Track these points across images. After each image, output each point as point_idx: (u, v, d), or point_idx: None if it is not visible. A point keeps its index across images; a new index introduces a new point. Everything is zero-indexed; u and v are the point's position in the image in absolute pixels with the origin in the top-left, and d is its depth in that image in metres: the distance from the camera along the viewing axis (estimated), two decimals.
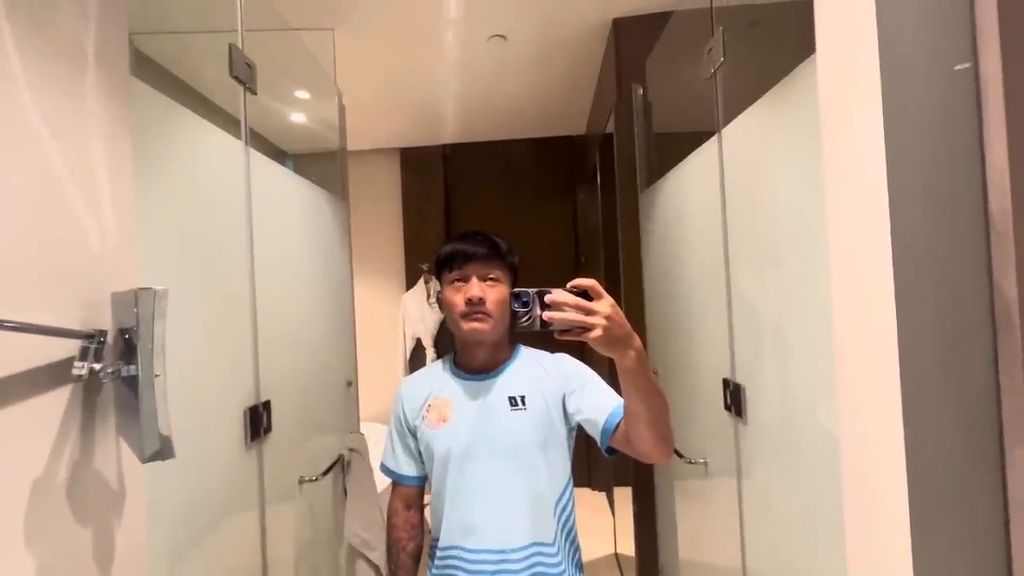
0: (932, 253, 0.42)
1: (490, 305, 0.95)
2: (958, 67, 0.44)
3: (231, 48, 1.17)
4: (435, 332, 3.42)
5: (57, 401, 0.57)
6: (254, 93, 1.24)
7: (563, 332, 0.68)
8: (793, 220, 0.92)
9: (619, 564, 2.57)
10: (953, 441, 0.42)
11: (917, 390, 0.42)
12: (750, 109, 1.07)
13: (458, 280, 0.97)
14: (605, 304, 0.68)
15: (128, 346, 0.62)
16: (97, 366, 0.58)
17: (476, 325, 0.95)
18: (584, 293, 0.69)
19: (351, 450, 1.68)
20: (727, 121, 1.18)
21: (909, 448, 0.42)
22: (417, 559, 1.07)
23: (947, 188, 0.42)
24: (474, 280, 0.96)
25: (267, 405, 1.20)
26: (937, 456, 0.43)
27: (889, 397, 0.45)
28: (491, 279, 0.97)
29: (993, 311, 0.39)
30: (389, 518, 1.07)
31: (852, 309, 0.55)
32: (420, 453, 1.04)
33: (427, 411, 1.01)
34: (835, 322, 0.59)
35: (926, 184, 0.42)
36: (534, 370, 1.01)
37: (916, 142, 0.43)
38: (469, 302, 0.95)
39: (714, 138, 1.25)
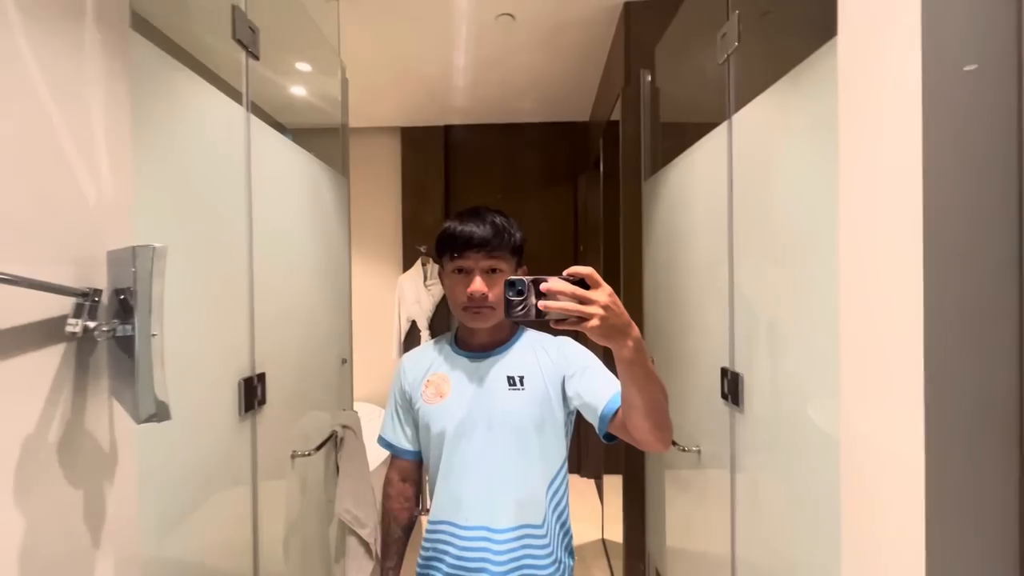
0: (964, 237, 0.41)
1: (492, 299, 0.94)
2: (967, 68, 0.43)
3: (234, 10, 1.14)
4: (431, 315, 3.41)
5: (49, 359, 0.56)
6: (256, 58, 1.21)
7: (559, 321, 0.66)
8: (801, 210, 0.91)
9: (606, 550, 2.60)
10: (972, 430, 0.41)
11: (941, 379, 0.41)
12: (762, 96, 1.06)
13: (460, 269, 0.95)
14: (603, 293, 0.66)
15: (123, 307, 0.60)
16: (92, 324, 0.57)
17: (478, 320, 0.96)
18: (581, 282, 0.66)
19: (344, 427, 1.68)
20: (738, 109, 1.17)
21: (929, 438, 0.42)
22: (409, 531, 1.07)
23: (982, 169, 0.41)
24: (477, 276, 0.94)
25: (262, 377, 1.19)
26: (955, 448, 0.42)
27: (907, 387, 0.45)
28: (495, 270, 0.95)
29: (1021, 296, 0.38)
30: (384, 488, 1.07)
31: (865, 299, 0.54)
32: (418, 427, 1.03)
33: (425, 386, 1.01)
34: (842, 313, 0.58)
35: (961, 166, 0.41)
36: (535, 352, 1.00)
37: (953, 122, 0.42)
38: (471, 296, 0.94)
39: (724, 125, 1.23)
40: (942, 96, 0.43)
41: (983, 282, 0.41)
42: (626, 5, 2.05)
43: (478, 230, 0.93)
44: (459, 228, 0.94)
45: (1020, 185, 0.39)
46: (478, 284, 0.93)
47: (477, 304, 0.94)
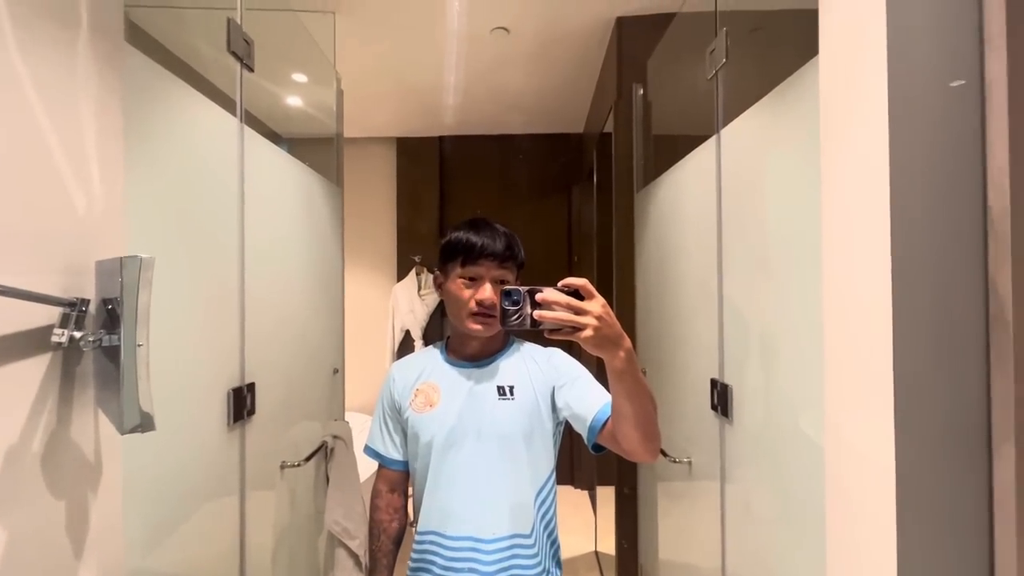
0: (930, 251, 0.42)
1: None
2: (954, 83, 0.44)
3: (229, 22, 1.15)
4: (424, 325, 3.40)
5: (34, 369, 0.56)
6: (251, 70, 1.22)
7: (553, 331, 0.68)
8: (788, 223, 0.93)
9: (599, 562, 2.58)
10: (942, 438, 0.42)
11: (910, 389, 0.43)
12: (750, 111, 1.08)
13: (471, 277, 0.96)
14: (596, 304, 0.67)
15: (111, 317, 0.60)
16: (78, 334, 0.57)
17: (482, 327, 0.96)
18: (575, 292, 0.68)
19: (335, 437, 1.67)
20: (726, 123, 1.19)
21: (899, 446, 0.43)
22: (398, 542, 1.06)
23: (948, 186, 0.43)
24: (488, 284, 0.95)
25: (251, 387, 1.19)
26: (925, 456, 0.43)
27: (880, 395, 0.46)
28: (503, 281, 0.97)
29: (987, 309, 0.39)
30: (372, 499, 1.07)
31: (844, 310, 0.55)
32: (406, 436, 1.03)
33: (415, 395, 1.01)
34: (826, 323, 0.59)
35: (927, 182, 0.43)
36: (525, 362, 1.01)
37: (919, 140, 0.43)
38: (480, 303, 0.95)
39: (712, 139, 1.25)
40: (907, 113, 0.44)
41: (950, 297, 0.42)
42: (619, 20, 2.08)
43: (495, 241, 0.96)
44: (476, 237, 0.96)
45: (984, 197, 0.40)
46: (489, 292, 0.95)
47: (486, 311, 0.95)
